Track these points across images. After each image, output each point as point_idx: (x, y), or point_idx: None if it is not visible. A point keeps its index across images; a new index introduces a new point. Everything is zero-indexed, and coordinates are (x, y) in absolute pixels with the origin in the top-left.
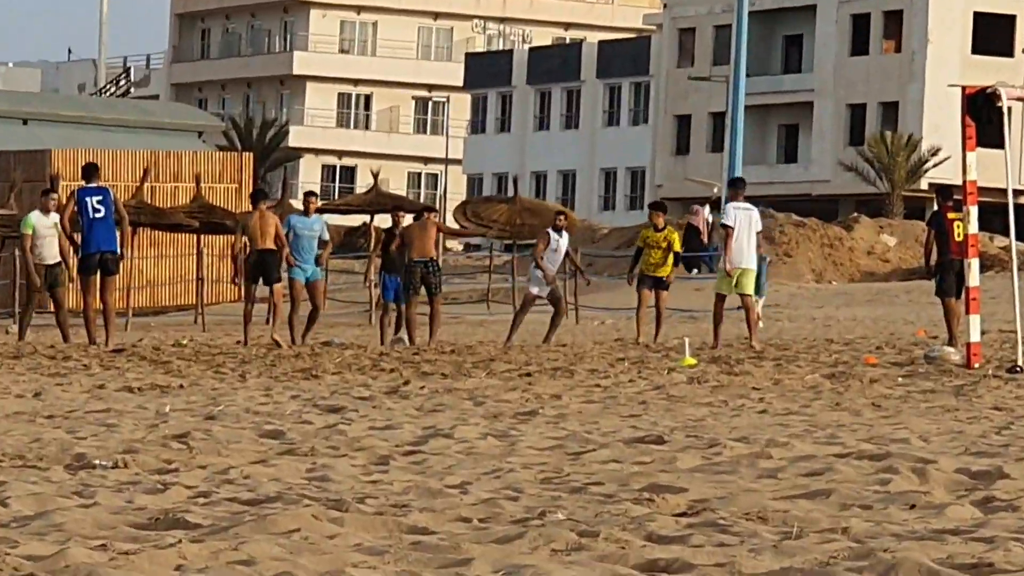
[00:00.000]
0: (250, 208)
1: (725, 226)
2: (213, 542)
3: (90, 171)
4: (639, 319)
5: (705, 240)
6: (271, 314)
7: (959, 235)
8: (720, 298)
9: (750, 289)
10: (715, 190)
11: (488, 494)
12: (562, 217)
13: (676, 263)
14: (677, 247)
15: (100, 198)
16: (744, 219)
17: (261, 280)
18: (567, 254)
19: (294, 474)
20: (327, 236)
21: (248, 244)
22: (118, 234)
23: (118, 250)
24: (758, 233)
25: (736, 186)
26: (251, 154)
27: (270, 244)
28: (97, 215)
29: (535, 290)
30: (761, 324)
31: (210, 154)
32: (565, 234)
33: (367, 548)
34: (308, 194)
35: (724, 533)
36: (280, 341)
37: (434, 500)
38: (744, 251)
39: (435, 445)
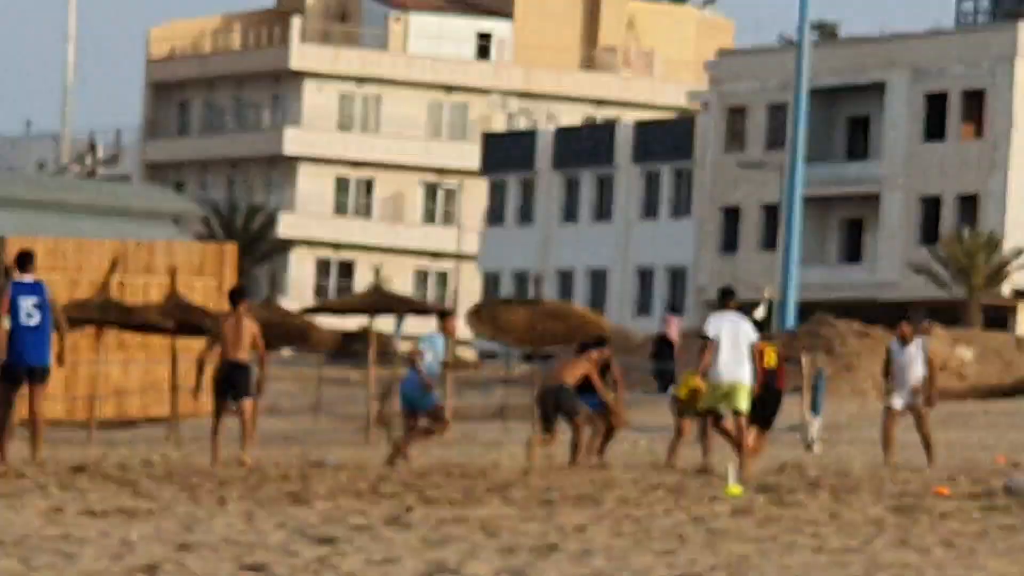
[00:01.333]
0: (229, 308)
1: (704, 337)
2: None
3: (24, 261)
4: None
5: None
6: (241, 433)
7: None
8: (708, 413)
9: (744, 406)
10: (766, 293)
11: None
12: (905, 324)
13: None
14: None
15: (36, 300)
16: (730, 330)
17: (230, 395)
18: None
19: None
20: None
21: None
22: (52, 343)
23: (49, 364)
24: (752, 345)
25: (726, 296)
26: (234, 245)
27: (243, 355)
28: (30, 321)
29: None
30: (817, 449)
31: (187, 244)
32: (917, 342)
33: None
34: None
35: None
36: (246, 460)
37: None
38: (731, 364)
39: None
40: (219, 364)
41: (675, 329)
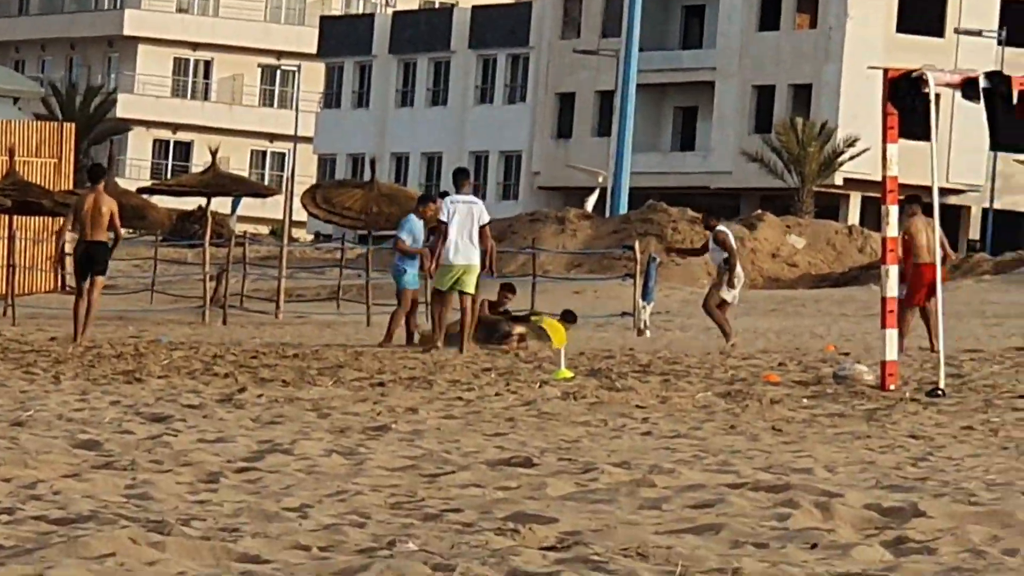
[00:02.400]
0: (88, 185)
1: (440, 221)
2: (15, 566)
3: None
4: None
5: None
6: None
7: None
8: (438, 294)
9: (471, 288)
10: (600, 179)
11: (331, 519)
12: (708, 216)
13: None
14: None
15: None
16: (464, 212)
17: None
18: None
19: (111, 491)
20: None
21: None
22: None
23: None
24: (483, 227)
25: (459, 177)
26: (73, 125)
27: (101, 235)
28: None
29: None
30: (648, 333)
31: (26, 124)
32: (716, 229)
33: None
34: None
35: (598, 571)
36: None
37: (269, 524)
38: (460, 247)
39: (272, 462)
40: (78, 244)
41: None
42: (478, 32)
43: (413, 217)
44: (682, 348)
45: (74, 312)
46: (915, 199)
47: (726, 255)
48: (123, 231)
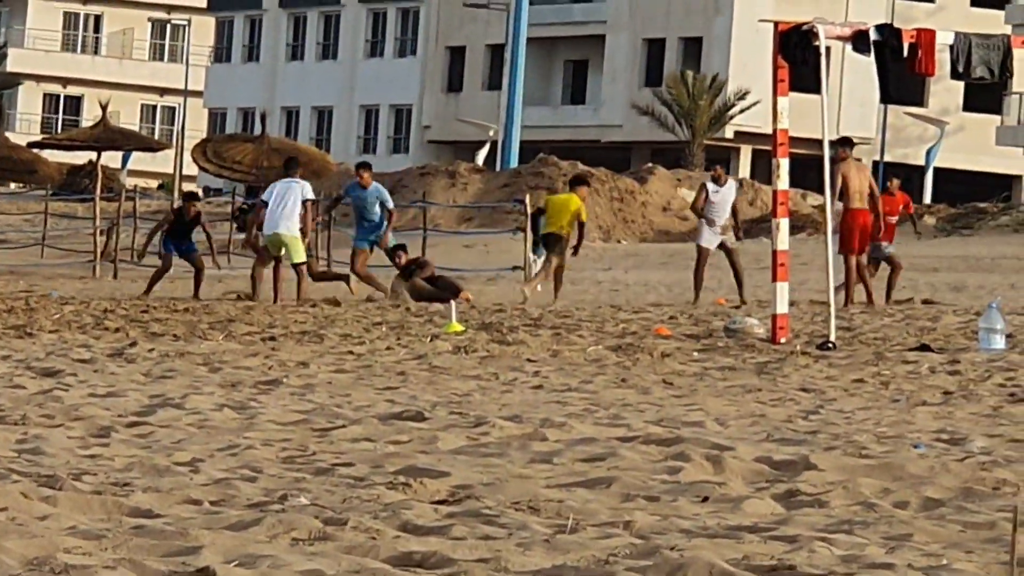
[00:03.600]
0: None
1: (263, 202)
2: None
3: None
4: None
5: None
6: None
7: None
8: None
9: (300, 256)
10: (491, 133)
11: (222, 473)
12: (718, 167)
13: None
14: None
15: None
16: (283, 188)
17: None
18: (733, 207)
19: (2, 445)
20: None
21: None
22: None
23: None
24: (305, 202)
25: (289, 165)
26: None
27: None
28: None
29: (704, 243)
30: (539, 287)
31: None
32: (730, 183)
33: (82, 532)
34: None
35: (489, 524)
36: None
37: (160, 479)
38: (277, 219)
39: (163, 416)
40: None
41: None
42: None
43: (356, 184)
44: (572, 302)
45: None
46: (846, 141)
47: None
48: (12, 185)
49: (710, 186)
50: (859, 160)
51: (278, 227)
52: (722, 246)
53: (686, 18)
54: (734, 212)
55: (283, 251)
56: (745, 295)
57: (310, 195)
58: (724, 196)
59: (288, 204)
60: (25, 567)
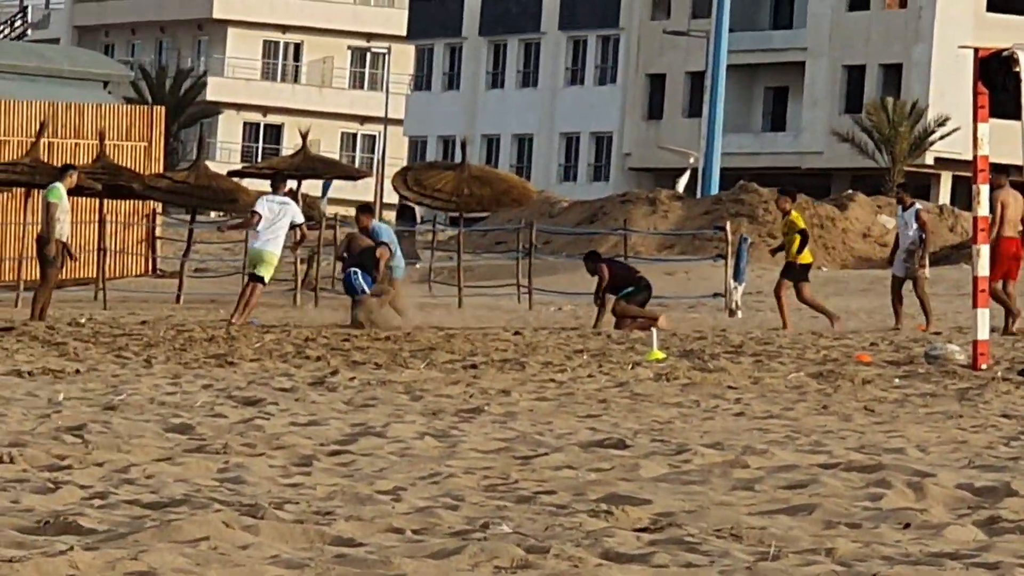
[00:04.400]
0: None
1: (254, 212)
2: (109, 550)
3: None
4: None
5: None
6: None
7: None
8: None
9: (267, 275)
10: (691, 160)
11: (424, 502)
12: (901, 191)
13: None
14: (801, 226)
15: None
16: (276, 209)
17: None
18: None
19: (203, 474)
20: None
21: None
22: None
23: None
24: (298, 226)
25: (276, 180)
26: (163, 108)
27: None
28: None
29: (899, 272)
30: (740, 314)
31: (116, 107)
32: (914, 207)
33: (284, 560)
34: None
35: (692, 552)
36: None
37: (362, 507)
38: (266, 238)
39: (365, 445)
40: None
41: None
42: (568, 13)
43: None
44: (774, 328)
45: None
46: (1003, 170)
47: (922, 233)
48: (213, 214)
49: (897, 211)
50: (1016, 190)
51: (266, 245)
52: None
53: (886, 45)
54: (920, 238)
55: (257, 267)
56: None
57: (300, 218)
58: (907, 220)
59: (280, 224)
60: None
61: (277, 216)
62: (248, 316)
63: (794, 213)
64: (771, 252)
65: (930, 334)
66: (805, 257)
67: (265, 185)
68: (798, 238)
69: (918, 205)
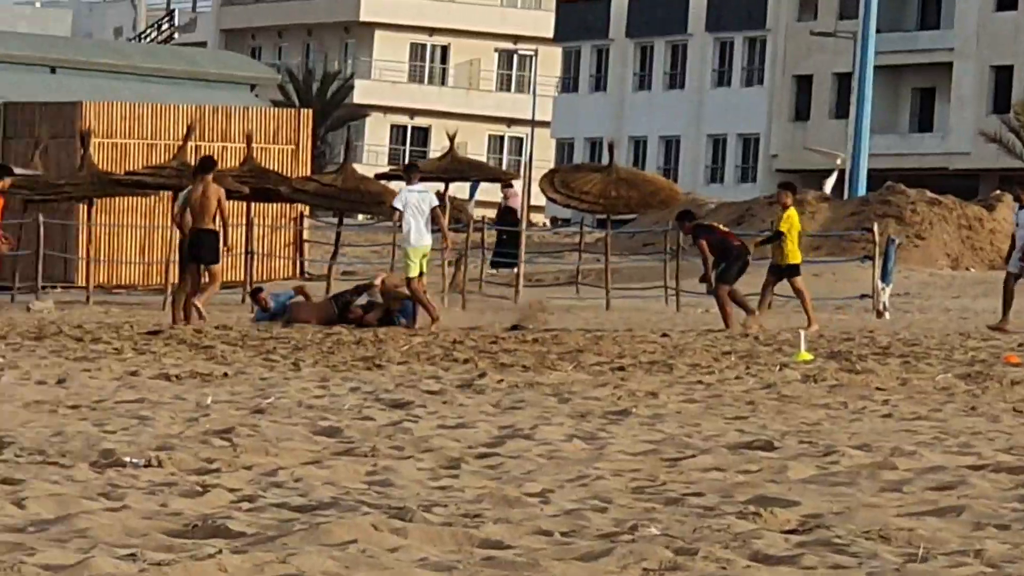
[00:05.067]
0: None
1: (395, 208)
2: (257, 553)
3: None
4: (761, 299)
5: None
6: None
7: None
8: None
9: (419, 270)
10: (838, 161)
11: (572, 504)
12: (1018, 188)
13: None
14: (781, 226)
15: None
16: (415, 200)
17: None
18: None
19: (352, 477)
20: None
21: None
22: None
23: None
24: (434, 208)
25: (410, 170)
26: (310, 111)
27: (209, 224)
28: None
29: (1013, 269)
30: (888, 315)
31: (263, 110)
32: None
33: (432, 563)
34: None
35: (840, 553)
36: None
37: (510, 510)
38: (421, 231)
39: (513, 447)
40: (188, 232)
41: (516, 201)
42: (715, 15)
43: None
44: (921, 330)
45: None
46: None
47: None
48: (360, 217)
49: (1014, 208)
50: None
51: (420, 240)
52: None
53: None
54: None
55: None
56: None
57: (435, 201)
58: (1020, 220)
59: (426, 215)
60: None
61: (419, 206)
62: (436, 312)
63: (792, 210)
64: (757, 244)
65: None
66: (794, 256)
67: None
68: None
69: None
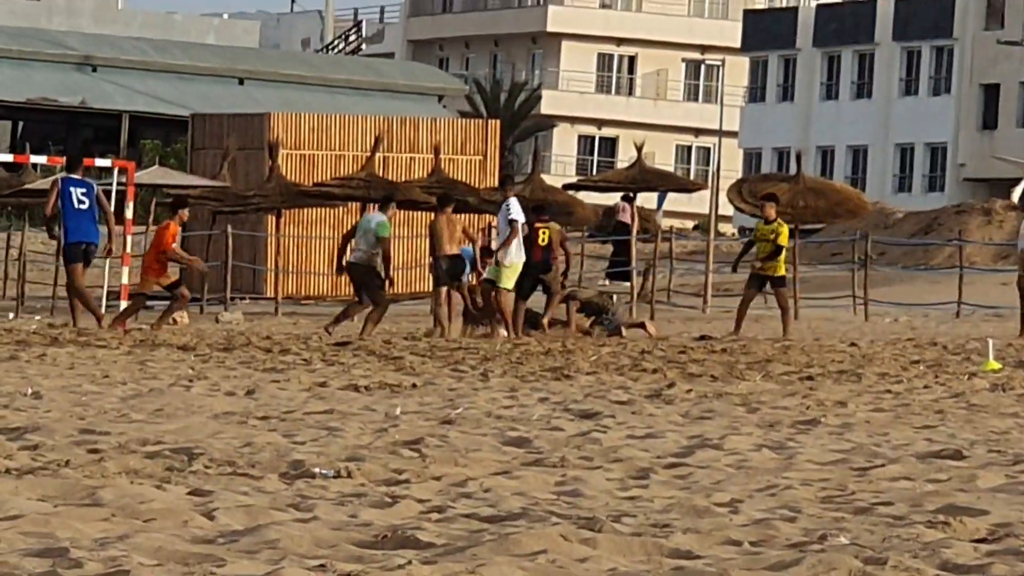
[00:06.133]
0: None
1: (513, 220)
2: (447, 564)
3: (73, 163)
4: (740, 316)
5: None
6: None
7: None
8: (507, 293)
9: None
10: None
11: (761, 514)
12: None
13: (774, 256)
14: (782, 241)
15: (84, 190)
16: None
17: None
18: None
19: (541, 488)
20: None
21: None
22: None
23: (98, 243)
24: (513, 222)
25: (506, 183)
26: (498, 122)
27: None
28: (81, 206)
29: None
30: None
31: (451, 121)
32: None
33: (622, 573)
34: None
35: None
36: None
37: (700, 520)
38: (515, 246)
39: (702, 457)
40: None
41: (628, 215)
42: (902, 24)
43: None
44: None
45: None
46: None
47: None
48: None
49: None
50: None
51: (523, 254)
52: None
53: None
54: None
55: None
56: None
57: (520, 216)
58: None
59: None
60: None
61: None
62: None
63: (780, 221)
64: (734, 266)
65: None
66: (782, 268)
67: (600, 197)
68: (770, 247)
69: None
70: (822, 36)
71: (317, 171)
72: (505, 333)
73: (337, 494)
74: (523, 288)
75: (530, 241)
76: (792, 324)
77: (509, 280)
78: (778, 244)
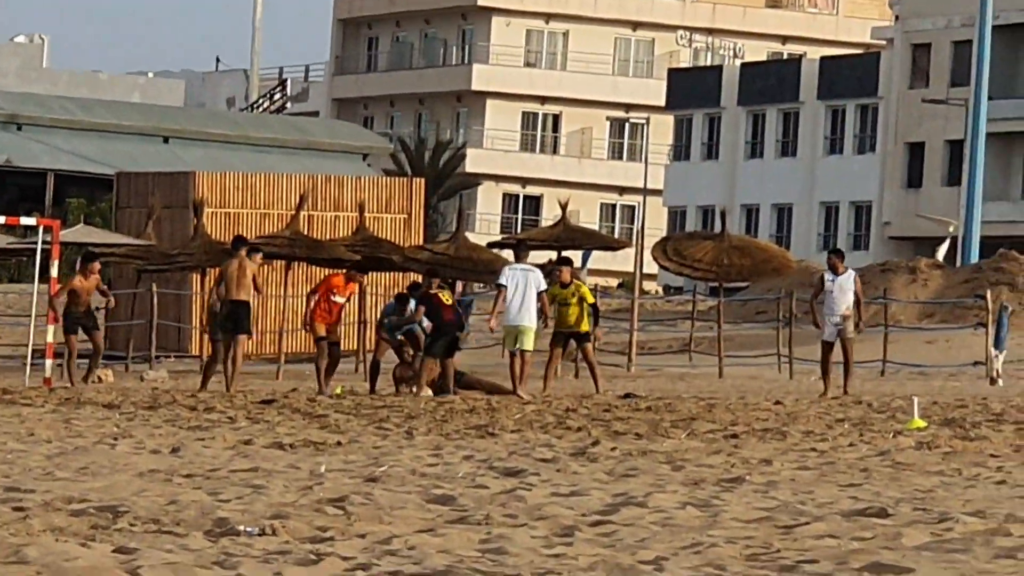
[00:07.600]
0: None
1: (499, 285)
2: None
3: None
4: (548, 376)
5: None
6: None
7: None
8: (511, 354)
9: (530, 345)
10: (951, 228)
11: (687, 572)
12: (833, 257)
13: (595, 316)
14: (590, 299)
15: None
16: (521, 279)
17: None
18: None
19: (466, 545)
20: None
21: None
22: None
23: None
24: (540, 292)
25: (519, 249)
26: (422, 180)
27: (245, 296)
28: None
29: (825, 337)
30: (1001, 382)
31: (376, 179)
32: (849, 272)
33: None
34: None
35: None
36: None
37: None
38: (519, 310)
39: (627, 515)
40: (223, 304)
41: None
42: (826, 83)
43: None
44: None
45: (218, 367)
46: None
47: None
48: (475, 286)
49: (827, 276)
50: None
51: (522, 319)
52: (839, 335)
53: None
54: (856, 302)
55: (517, 342)
56: (848, 387)
57: (543, 285)
58: (842, 285)
59: (528, 294)
60: None
61: (525, 285)
62: (526, 386)
63: (576, 282)
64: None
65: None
66: (587, 324)
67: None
68: (578, 309)
69: (852, 271)
70: (747, 94)
71: (242, 229)
72: (520, 393)
73: (262, 552)
74: (435, 348)
75: (436, 305)
76: (600, 377)
77: (529, 342)
78: (589, 303)
